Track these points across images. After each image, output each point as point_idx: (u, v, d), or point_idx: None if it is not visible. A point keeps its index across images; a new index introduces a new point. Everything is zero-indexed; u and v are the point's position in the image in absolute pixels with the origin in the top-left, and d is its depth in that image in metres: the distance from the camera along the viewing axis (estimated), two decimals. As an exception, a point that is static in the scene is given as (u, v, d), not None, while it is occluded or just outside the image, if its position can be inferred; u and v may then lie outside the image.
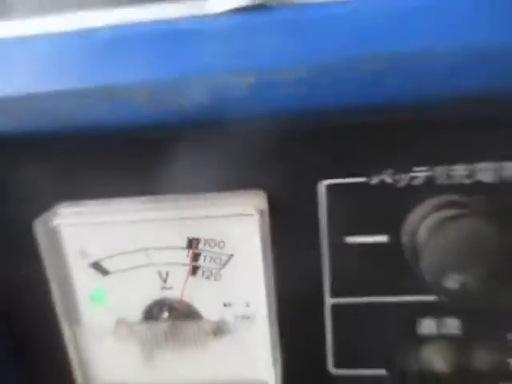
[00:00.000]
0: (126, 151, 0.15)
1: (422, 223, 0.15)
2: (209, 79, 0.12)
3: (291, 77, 0.12)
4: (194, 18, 0.13)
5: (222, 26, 0.12)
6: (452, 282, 0.13)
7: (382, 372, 0.17)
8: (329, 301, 0.16)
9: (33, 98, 0.13)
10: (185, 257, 0.15)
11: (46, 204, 0.16)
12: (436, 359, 0.17)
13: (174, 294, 0.16)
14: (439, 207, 0.15)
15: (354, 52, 0.12)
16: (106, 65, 0.13)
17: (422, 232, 0.14)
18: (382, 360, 0.17)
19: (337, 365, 0.17)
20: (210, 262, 0.15)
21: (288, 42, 0.12)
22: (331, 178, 0.15)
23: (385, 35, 0.12)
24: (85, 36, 0.13)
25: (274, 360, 0.17)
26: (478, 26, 0.11)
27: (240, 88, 0.12)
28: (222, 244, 0.15)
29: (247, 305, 0.16)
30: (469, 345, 0.17)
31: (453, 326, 0.16)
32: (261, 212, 0.15)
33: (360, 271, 0.16)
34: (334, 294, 0.16)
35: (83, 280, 0.16)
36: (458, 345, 0.17)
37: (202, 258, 0.15)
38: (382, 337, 0.17)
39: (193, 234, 0.15)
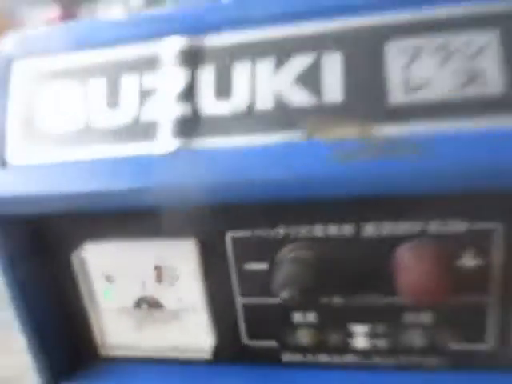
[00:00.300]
0: (123, 218, 0.26)
1: (282, 258, 0.25)
2: (156, 189, 0.23)
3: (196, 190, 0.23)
4: (147, 155, 0.24)
5: (161, 161, 0.23)
6: (286, 294, 0.23)
7: (275, 343, 0.28)
8: (239, 300, 0.27)
9: (71, 194, 0.24)
10: (154, 275, 0.27)
11: (78, 243, 0.28)
12: (304, 338, 0.27)
13: (149, 293, 0.27)
14: (291, 250, 0.25)
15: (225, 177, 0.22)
16: (106, 180, 0.24)
17: (281, 263, 0.25)
18: (276, 336, 0.28)
19: (249, 337, 0.28)
20: (167, 277, 0.27)
21: (197, 171, 0.23)
22: (232, 231, 0.25)
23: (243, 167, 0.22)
24: (92, 163, 0.24)
25: (208, 334, 0.28)
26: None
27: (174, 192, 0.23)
28: (173, 269, 0.26)
29: (190, 301, 0.27)
30: (322, 329, 0.27)
31: (311, 316, 0.27)
32: (192, 252, 0.26)
33: (255, 284, 0.26)
34: (242, 295, 0.27)
35: (100, 286, 0.28)
36: (316, 329, 0.27)
37: (163, 275, 0.27)
38: (273, 322, 0.27)
39: (157, 263, 0.26)
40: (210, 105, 0.23)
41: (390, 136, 0.21)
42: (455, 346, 0.25)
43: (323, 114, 0.22)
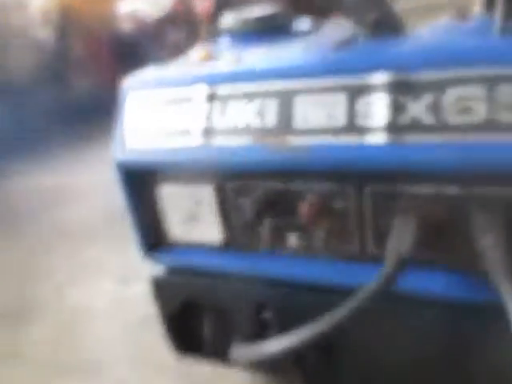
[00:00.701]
0: (180, 173, 0.53)
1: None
2: (192, 162, 0.49)
3: (212, 165, 0.48)
4: (188, 146, 0.49)
5: (195, 149, 0.49)
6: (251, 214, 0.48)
7: (254, 240, 0.54)
8: (235, 219, 0.53)
9: (158, 160, 0.51)
10: (194, 202, 0.54)
11: (159, 184, 0.53)
12: (266, 239, 0.53)
13: (193, 212, 0.55)
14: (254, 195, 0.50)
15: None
16: (170, 155, 0.50)
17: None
18: (253, 237, 0.54)
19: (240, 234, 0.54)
20: (201, 206, 0.53)
21: (212, 155, 0.48)
22: (230, 183, 0.51)
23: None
24: (170, 148, 0.50)
25: (220, 234, 0.54)
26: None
27: (201, 164, 0.48)
28: (204, 201, 0.53)
29: (212, 217, 0.54)
30: (275, 235, 0.52)
31: (267, 228, 0.52)
32: (212, 193, 0.51)
33: (241, 211, 0.52)
34: (236, 218, 0.53)
35: (168, 207, 0.56)
36: (271, 235, 0.52)
37: (200, 204, 0.53)
38: (253, 230, 0.53)
39: (196, 198, 0.53)
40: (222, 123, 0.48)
41: (294, 145, 0.44)
42: (333, 246, 0.49)
43: (267, 131, 0.46)
